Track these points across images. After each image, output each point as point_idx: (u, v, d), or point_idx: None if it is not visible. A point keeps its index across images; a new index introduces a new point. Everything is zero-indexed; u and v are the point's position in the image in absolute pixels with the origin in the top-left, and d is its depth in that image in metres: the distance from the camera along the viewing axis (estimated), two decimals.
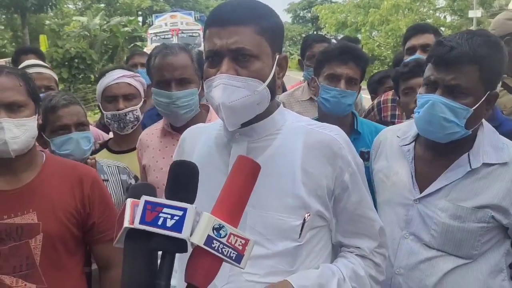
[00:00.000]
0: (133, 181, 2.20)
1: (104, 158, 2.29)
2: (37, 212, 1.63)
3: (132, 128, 2.36)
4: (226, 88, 1.17)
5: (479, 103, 1.47)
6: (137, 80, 2.39)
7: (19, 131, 1.61)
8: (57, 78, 2.99)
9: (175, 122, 2.04)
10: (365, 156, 2.07)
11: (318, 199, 1.24)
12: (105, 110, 2.34)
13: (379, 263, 1.37)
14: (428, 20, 20.69)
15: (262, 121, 1.27)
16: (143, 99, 2.41)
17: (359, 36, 23.46)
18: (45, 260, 1.63)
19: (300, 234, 1.22)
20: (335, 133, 1.30)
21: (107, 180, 2.12)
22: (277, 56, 1.26)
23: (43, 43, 18.03)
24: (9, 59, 15.01)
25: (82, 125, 2.08)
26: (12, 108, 1.60)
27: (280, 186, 1.22)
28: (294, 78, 7.73)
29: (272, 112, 1.29)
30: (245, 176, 0.94)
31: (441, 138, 1.53)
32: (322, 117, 2.20)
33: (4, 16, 24.93)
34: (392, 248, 1.59)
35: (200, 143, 1.37)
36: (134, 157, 2.24)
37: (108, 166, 2.17)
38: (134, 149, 2.27)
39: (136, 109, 2.34)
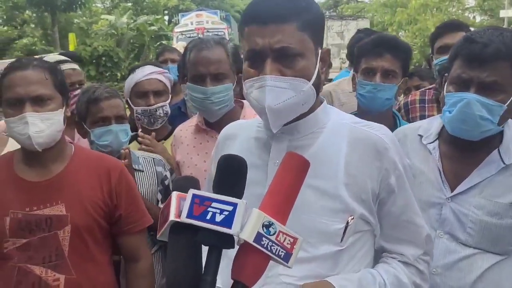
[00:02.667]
0: (168, 173, 2.23)
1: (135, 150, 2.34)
2: (66, 204, 1.65)
3: (161, 123, 2.42)
4: (271, 90, 1.12)
5: (511, 99, 1.45)
6: (166, 76, 2.45)
7: (44, 125, 1.62)
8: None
9: (209, 117, 2.03)
10: None
11: (362, 202, 1.19)
12: (135, 105, 2.39)
13: (423, 271, 1.30)
14: None
15: (304, 119, 1.22)
16: (170, 95, 2.45)
17: None
18: (73, 251, 1.65)
19: (342, 238, 1.17)
20: (381, 132, 1.24)
21: (142, 171, 2.16)
22: (320, 51, 1.20)
23: (72, 41, 18.39)
24: (39, 57, 15.37)
25: (121, 118, 2.12)
26: (38, 102, 1.62)
27: (323, 188, 1.18)
28: None
29: (315, 109, 1.23)
30: (295, 173, 0.92)
31: (475, 136, 1.50)
32: (361, 114, 2.07)
33: (35, 15, 25.53)
34: None
35: (239, 140, 1.34)
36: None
37: (144, 158, 2.22)
38: (160, 140, 2.37)
39: (166, 105, 2.41)
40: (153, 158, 2.23)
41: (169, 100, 2.44)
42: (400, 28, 22.19)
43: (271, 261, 0.89)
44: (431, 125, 1.67)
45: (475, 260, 1.51)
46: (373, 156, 1.20)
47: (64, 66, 2.82)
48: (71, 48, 18.28)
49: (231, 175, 0.91)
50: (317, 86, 1.19)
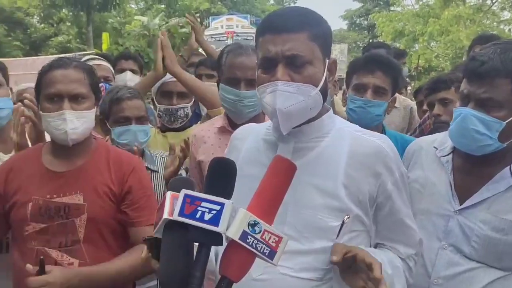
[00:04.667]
0: (183, 173, 2.29)
1: (157, 136, 2.44)
2: (83, 194, 1.76)
3: (181, 123, 2.55)
4: (281, 95, 1.21)
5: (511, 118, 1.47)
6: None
7: (79, 122, 1.74)
8: (113, 71, 3.19)
9: (238, 119, 2.09)
10: None
11: (359, 204, 1.26)
12: (159, 104, 2.50)
13: (411, 267, 1.38)
14: (491, 32, 19.78)
15: (311, 123, 1.31)
16: (193, 99, 2.54)
17: (416, 45, 22.78)
18: (88, 238, 1.76)
19: (338, 235, 1.24)
20: (382, 141, 1.32)
21: (157, 171, 2.24)
22: (327, 61, 1.29)
23: (105, 41, 18.81)
24: (73, 54, 15.84)
25: (142, 119, 2.22)
26: (75, 99, 1.75)
27: (322, 186, 1.25)
28: None
29: (321, 116, 1.32)
30: (282, 176, 0.98)
31: (474, 150, 1.53)
32: None
33: (71, 13, 26.23)
34: (430, 258, 1.59)
35: (249, 140, 1.44)
36: (179, 137, 2.43)
37: (161, 157, 2.29)
38: (181, 129, 2.53)
39: (187, 107, 2.50)
40: None
41: (191, 102, 2.53)
42: (432, 39, 21.80)
43: None
44: (447, 138, 1.69)
45: (477, 274, 1.52)
46: (373, 162, 1.28)
47: (90, 62, 2.95)
48: (104, 47, 18.69)
49: (221, 176, 0.97)
50: (324, 93, 1.28)
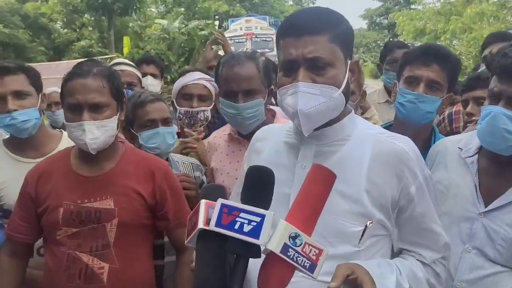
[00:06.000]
0: (205, 178, 2.29)
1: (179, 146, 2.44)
2: (114, 199, 1.78)
3: (200, 126, 2.56)
4: (303, 96, 1.21)
5: None
6: (212, 84, 2.57)
7: (99, 131, 1.74)
8: (140, 76, 3.18)
9: (242, 131, 2.09)
10: None
11: (381, 208, 1.25)
12: (179, 106, 2.52)
13: (439, 273, 1.35)
14: None
15: (332, 126, 1.30)
16: (213, 103, 2.55)
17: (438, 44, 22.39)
18: (118, 243, 1.78)
19: (360, 240, 1.24)
20: (404, 144, 1.31)
21: None
22: (349, 62, 1.29)
23: (126, 44, 19.06)
24: (95, 59, 16.01)
25: (167, 121, 2.23)
26: (95, 109, 1.75)
27: (345, 191, 1.24)
28: (366, 85, 7.53)
29: (342, 118, 1.32)
30: (322, 185, 0.96)
31: (503, 150, 1.48)
32: (397, 125, 2.03)
33: (93, 18, 26.64)
34: (453, 261, 1.55)
35: (270, 143, 1.43)
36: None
37: (183, 163, 2.31)
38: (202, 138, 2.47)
39: (207, 110, 2.52)
40: (192, 163, 2.32)
41: (211, 106, 2.54)
42: (454, 37, 21.41)
43: None
44: (473, 138, 1.65)
45: (502, 278, 1.49)
46: (395, 166, 1.27)
47: (115, 67, 2.98)
48: (125, 51, 18.93)
49: (259, 186, 0.95)
50: (346, 94, 1.27)
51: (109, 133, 1.79)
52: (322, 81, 1.22)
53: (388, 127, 2.10)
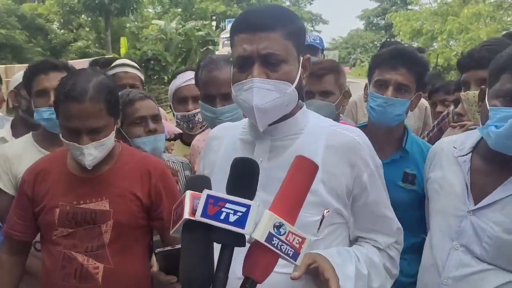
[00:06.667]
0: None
1: (175, 147, 2.41)
2: (109, 200, 1.78)
3: (200, 128, 2.46)
4: (258, 92, 1.24)
5: None
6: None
7: (98, 151, 1.74)
8: (143, 78, 3.12)
9: None
10: (409, 179, 1.97)
11: (337, 197, 1.30)
12: (176, 111, 2.47)
13: (393, 257, 1.41)
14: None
15: (285, 121, 1.33)
16: None
17: (435, 44, 22.49)
18: (113, 243, 1.78)
19: (319, 229, 1.28)
20: (355, 135, 1.35)
21: None
22: (301, 58, 1.32)
23: (123, 45, 19.07)
24: (98, 59, 15.96)
25: (156, 117, 2.21)
26: (93, 132, 1.73)
27: None
28: (362, 86, 7.55)
29: (295, 113, 1.35)
30: (305, 176, 0.98)
31: None
32: (370, 126, 2.09)
33: (89, 19, 26.64)
34: (441, 258, 1.58)
35: (226, 140, 1.45)
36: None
37: (173, 162, 2.29)
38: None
39: None
40: (182, 163, 2.30)
41: None
42: (451, 37, 21.49)
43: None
44: (468, 138, 1.66)
45: (487, 276, 1.50)
46: (348, 155, 1.31)
47: (118, 69, 2.95)
48: (122, 51, 18.93)
49: (244, 177, 0.96)
50: (299, 90, 1.31)
51: (107, 149, 1.78)
52: (276, 77, 1.24)
53: (363, 127, 2.14)
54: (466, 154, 1.63)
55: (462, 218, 1.57)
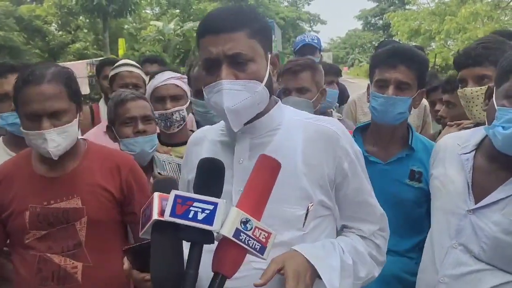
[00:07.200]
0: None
1: (160, 150, 2.41)
2: (81, 197, 1.76)
3: (178, 127, 2.47)
4: (228, 93, 1.24)
5: None
6: (184, 81, 2.50)
7: (61, 138, 1.71)
8: (146, 79, 3.12)
9: None
10: (415, 176, 1.97)
11: (320, 189, 1.30)
12: (154, 110, 2.46)
13: (379, 244, 1.42)
14: (510, 29, 19.46)
15: (261, 118, 1.34)
16: (189, 100, 2.51)
17: (433, 44, 22.52)
18: (90, 241, 1.76)
19: (304, 223, 1.28)
20: (332, 125, 1.37)
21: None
22: (269, 55, 1.33)
23: (122, 46, 19.08)
24: (90, 61, 16.03)
25: (147, 118, 2.21)
26: (55, 116, 1.70)
27: (283, 178, 1.23)
28: (361, 86, 7.61)
29: (270, 109, 1.36)
30: (268, 173, 1.01)
31: None
32: (374, 126, 2.10)
33: (87, 20, 26.65)
34: (439, 256, 1.59)
35: (205, 145, 1.45)
36: (182, 150, 2.32)
37: (170, 163, 2.29)
38: (181, 144, 2.41)
39: (182, 109, 2.45)
40: (178, 164, 2.29)
41: (187, 104, 2.47)
42: (448, 37, 21.53)
43: None
44: (472, 136, 1.65)
45: (484, 276, 1.50)
46: (327, 146, 1.32)
47: (121, 68, 2.97)
48: (121, 52, 18.94)
49: (210, 176, 0.99)
50: (270, 87, 1.31)
51: (71, 137, 1.75)
52: (245, 77, 1.25)
53: (365, 126, 2.14)
54: (469, 152, 1.62)
55: (462, 216, 1.57)
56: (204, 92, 1.32)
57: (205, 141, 1.47)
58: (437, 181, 1.71)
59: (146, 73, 3.30)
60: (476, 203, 1.55)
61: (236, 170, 1.31)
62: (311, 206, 1.27)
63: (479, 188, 1.56)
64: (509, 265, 1.49)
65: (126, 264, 1.30)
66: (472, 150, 1.62)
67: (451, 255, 1.57)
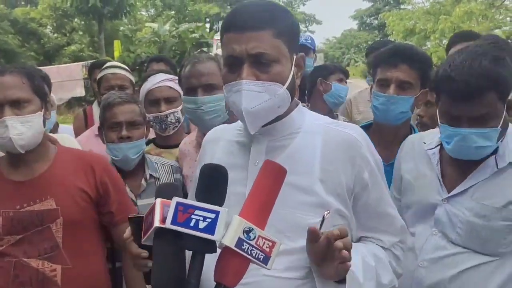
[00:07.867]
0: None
1: (152, 152, 2.40)
2: (55, 198, 1.74)
3: (173, 129, 2.46)
4: (247, 94, 1.19)
5: (502, 118, 1.51)
6: (177, 83, 2.45)
7: (24, 127, 1.69)
8: (133, 79, 3.13)
9: (203, 128, 2.04)
10: None
11: (337, 197, 1.25)
12: (148, 113, 2.45)
13: (398, 256, 1.37)
14: (504, 28, 19.51)
15: (281, 121, 1.29)
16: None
17: (428, 43, 22.55)
18: (67, 242, 1.74)
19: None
20: (353, 132, 1.32)
21: (158, 178, 2.22)
22: (295, 57, 1.27)
23: (117, 48, 19.00)
24: (85, 63, 15.96)
25: (134, 123, 2.17)
26: (16, 105, 1.70)
27: (299, 184, 1.23)
28: (357, 85, 7.59)
29: (290, 112, 1.31)
30: (272, 181, 0.98)
31: (476, 158, 1.57)
32: (376, 125, 2.09)
33: (83, 22, 26.55)
34: (420, 243, 1.65)
35: (221, 143, 1.41)
36: (177, 153, 2.35)
37: (162, 165, 2.26)
38: (176, 145, 2.38)
39: (177, 111, 2.44)
40: (171, 166, 2.28)
41: (181, 106, 2.44)
42: (443, 36, 21.56)
43: None
44: (436, 134, 1.73)
45: (461, 258, 1.58)
46: (347, 153, 1.27)
47: (106, 71, 2.97)
48: (116, 54, 18.87)
49: (213, 184, 0.97)
50: (292, 90, 1.26)
51: (35, 129, 1.72)
52: (266, 78, 1.20)
53: (368, 126, 2.13)
54: (434, 147, 1.71)
55: (438, 206, 1.65)
56: (224, 89, 1.28)
57: (221, 140, 1.42)
58: (408, 176, 1.77)
59: (154, 72, 3.29)
60: (448, 192, 1.63)
61: (251, 172, 1.26)
62: (327, 214, 1.19)
63: (450, 178, 1.65)
64: (483, 247, 1.57)
65: (128, 232, 1.25)
66: (437, 146, 1.71)
67: (430, 241, 1.65)
